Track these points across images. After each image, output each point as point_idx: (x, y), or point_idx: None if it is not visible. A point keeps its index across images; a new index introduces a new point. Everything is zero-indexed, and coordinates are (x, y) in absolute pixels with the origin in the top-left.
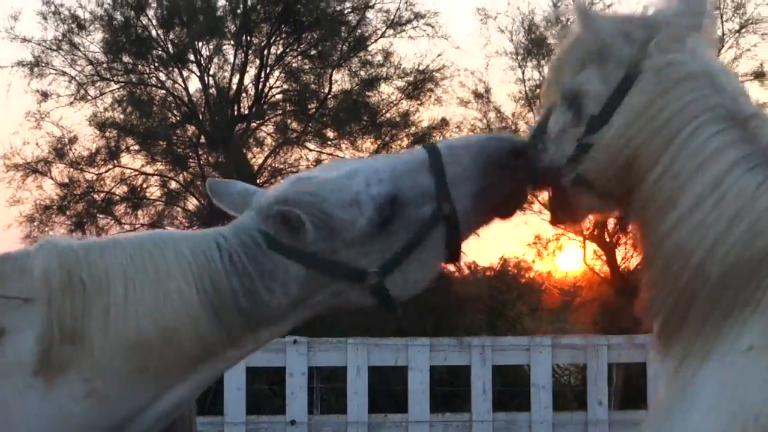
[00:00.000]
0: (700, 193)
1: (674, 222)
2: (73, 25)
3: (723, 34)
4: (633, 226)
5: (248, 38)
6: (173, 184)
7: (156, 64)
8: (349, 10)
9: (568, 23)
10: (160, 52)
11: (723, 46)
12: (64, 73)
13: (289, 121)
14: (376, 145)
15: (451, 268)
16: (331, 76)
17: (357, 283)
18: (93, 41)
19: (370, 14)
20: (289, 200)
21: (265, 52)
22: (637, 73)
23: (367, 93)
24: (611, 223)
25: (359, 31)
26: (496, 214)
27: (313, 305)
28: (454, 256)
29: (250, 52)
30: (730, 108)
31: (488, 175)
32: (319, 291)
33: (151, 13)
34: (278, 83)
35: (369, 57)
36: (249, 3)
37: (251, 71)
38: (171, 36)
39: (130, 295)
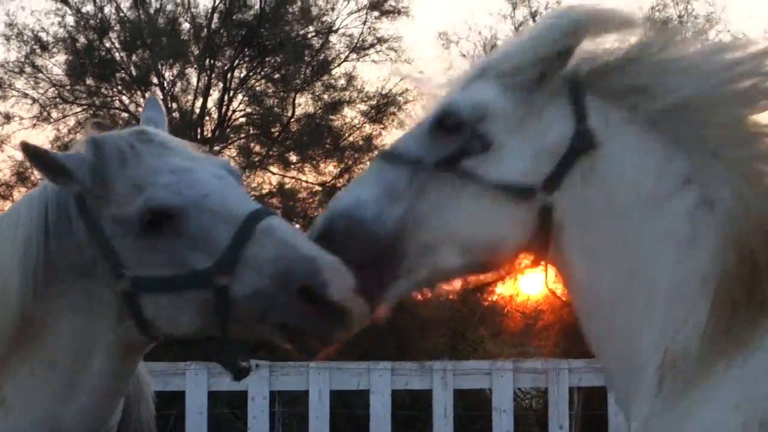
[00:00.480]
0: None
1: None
2: (36, 47)
3: None
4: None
5: (212, 61)
6: None
7: (119, 87)
8: (313, 34)
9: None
10: (123, 75)
11: None
12: (26, 95)
13: (252, 144)
14: (338, 169)
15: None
16: (294, 99)
17: (112, 280)
18: (56, 63)
19: (333, 38)
20: (89, 139)
21: (229, 75)
22: None
23: (330, 117)
24: None
25: (322, 55)
26: (282, 337)
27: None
28: (222, 345)
29: (213, 75)
30: None
31: (277, 286)
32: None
33: (114, 35)
34: (241, 106)
35: (332, 81)
36: (212, 26)
37: (215, 94)
38: (134, 59)
39: None
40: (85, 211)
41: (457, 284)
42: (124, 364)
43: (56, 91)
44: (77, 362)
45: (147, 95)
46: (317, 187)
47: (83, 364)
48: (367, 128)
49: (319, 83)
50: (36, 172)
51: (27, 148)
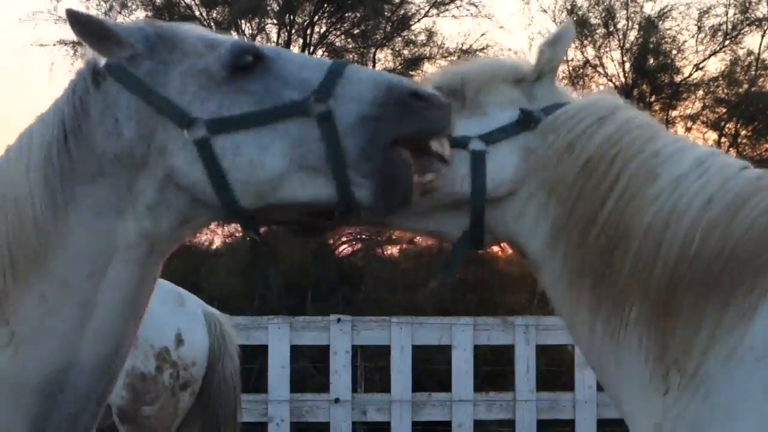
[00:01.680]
0: (684, 169)
1: (656, 194)
2: (115, 4)
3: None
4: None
5: (291, 17)
6: None
7: None
8: None
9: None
10: None
11: None
12: None
13: None
14: None
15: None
16: (374, 55)
17: (180, 130)
18: (136, 20)
19: None
20: (147, 24)
21: (309, 30)
22: None
23: (410, 72)
24: None
25: (402, 10)
26: (375, 180)
27: (149, 175)
28: (343, 191)
29: (293, 31)
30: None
31: (381, 105)
32: (151, 142)
33: None
34: None
35: (412, 36)
36: None
37: (295, 50)
38: (214, 15)
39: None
40: (133, 79)
41: None
42: (145, 269)
43: None
44: (94, 276)
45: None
46: None
47: (100, 276)
48: None
49: (399, 39)
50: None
51: (71, 14)
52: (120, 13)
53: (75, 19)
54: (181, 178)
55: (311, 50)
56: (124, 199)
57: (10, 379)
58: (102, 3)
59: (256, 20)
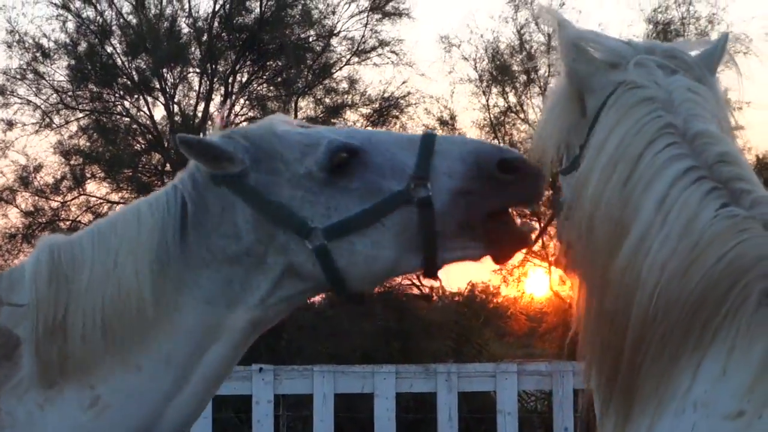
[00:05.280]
0: (649, 216)
1: (628, 252)
2: (38, 54)
3: None
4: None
5: (213, 66)
6: None
7: (121, 92)
8: (314, 37)
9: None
10: (125, 80)
11: None
12: (29, 102)
13: None
14: None
15: (428, 285)
16: (296, 103)
17: (299, 237)
18: (58, 69)
19: (334, 42)
20: (235, 132)
21: (230, 79)
22: (604, 104)
23: (332, 120)
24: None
25: (324, 58)
26: (483, 242)
27: (266, 271)
28: (429, 263)
29: (215, 79)
30: (680, 126)
31: (472, 179)
32: (270, 244)
33: (115, 41)
34: (244, 110)
35: (334, 84)
36: (213, 31)
37: (216, 99)
38: (136, 64)
39: (95, 273)
40: (247, 190)
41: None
42: (239, 350)
43: (58, 97)
44: (195, 355)
45: (149, 101)
46: None
47: (200, 356)
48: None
49: (321, 87)
50: (37, 179)
51: (183, 140)
52: (42, 62)
53: (187, 144)
54: (300, 272)
55: (233, 99)
56: (237, 294)
57: None
58: (24, 52)
59: (178, 69)
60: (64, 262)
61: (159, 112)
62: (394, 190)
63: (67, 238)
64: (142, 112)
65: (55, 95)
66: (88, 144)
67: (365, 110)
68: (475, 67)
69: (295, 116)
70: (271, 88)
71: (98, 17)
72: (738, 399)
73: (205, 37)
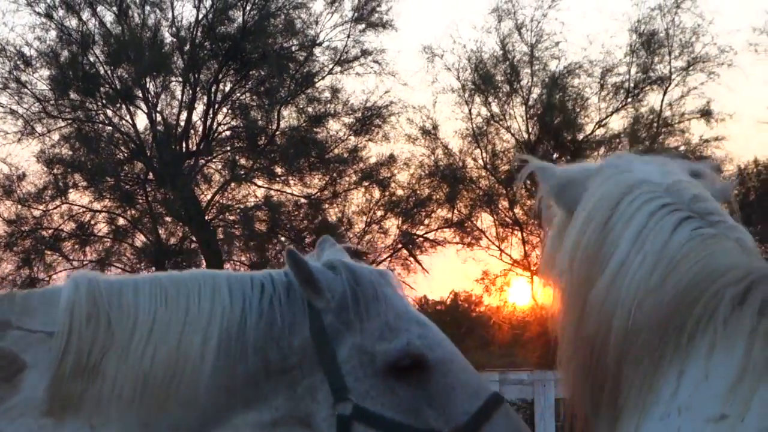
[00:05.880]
0: (627, 246)
1: (607, 280)
2: (20, 63)
3: (670, 72)
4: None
5: (196, 75)
6: (121, 221)
7: (103, 101)
8: (297, 47)
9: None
10: (107, 89)
11: (670, 84)
12: (11, 111)
13: (237, 157)
14: (323, 182)
15: None
16: (279, 112)
17: (332, 397)
18: (40, 78)
19: (317, 51)
20: (347, 266)
21: (213, 88)
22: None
23: (315, 129)
24: None
25: (306, 68)
26: None
27: (291, 398)
28: None
29: (197, 88)
30: (656, 182)
31: None
32: (304, 379)
33: (97, 50)
34: (226, 120)
35: (317, 94)
36: (196, 40)
37: (199, 108)
38: (118, 73)
39: (155, 335)
40: (318, 325)
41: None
42: None
43: (40, 106)
44: None
45: (132, 110)
46: (303, 200)
47: None
48: (352, 141)
49: (304, 96)
50: (20, 187)
51: (291, 255)
52: (24, 71)
53: (294, 261)
54: (309, 424)
55: (215, 108)
56: (258, 400)
57: None
58: (6, 60)
59: (161, 78)
60: (109, 304)
61: (141, 121)
62: (432, 426)
63: (109, 278)
64: (124, 121)
65: (37, 104)
66: (70, 153)
67: (348, 119)
68: (458, 76)
69: (278, 126)
70: (254, 97)
71: (81, 26)
72: (720, 402)
73: (187, 47)
